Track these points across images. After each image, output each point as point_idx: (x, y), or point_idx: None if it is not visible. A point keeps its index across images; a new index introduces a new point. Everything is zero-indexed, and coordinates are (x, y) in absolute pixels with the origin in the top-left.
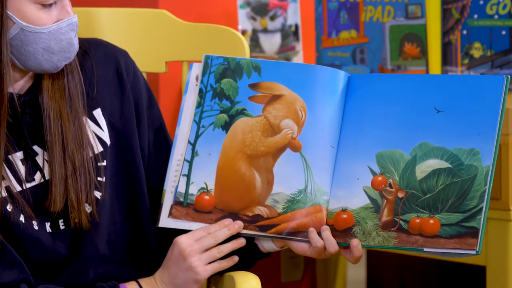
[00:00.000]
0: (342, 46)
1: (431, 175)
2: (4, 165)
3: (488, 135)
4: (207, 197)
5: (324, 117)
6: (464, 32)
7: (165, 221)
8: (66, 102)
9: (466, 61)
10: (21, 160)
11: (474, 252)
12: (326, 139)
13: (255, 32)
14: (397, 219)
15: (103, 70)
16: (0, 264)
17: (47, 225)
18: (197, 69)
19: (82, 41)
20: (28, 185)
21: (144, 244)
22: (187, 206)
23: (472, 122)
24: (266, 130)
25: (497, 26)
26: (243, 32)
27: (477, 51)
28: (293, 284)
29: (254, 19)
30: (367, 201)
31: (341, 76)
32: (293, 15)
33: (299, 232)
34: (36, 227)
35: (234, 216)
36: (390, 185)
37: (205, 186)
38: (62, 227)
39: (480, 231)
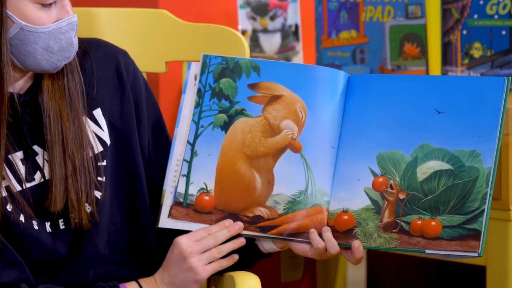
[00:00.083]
0: (342, 46)
1: (432, 177)
2: (4, 165)
3: (489, 137)
4: (207, 197)
5: (324, 117)
6: (464, 32)
7: (165, 222)
8: (66, 102)
9: (466, 61)
10: (21, 160)
11: (476, 254)
12: (327, 140)
13: (255, 32)
14: (399, 221)
15: (103, 70)
16: (0, 264)
17: (47, 225)
18: (195, 68)
19: (82, 41)
20: (28, 185)
21: (144, 244)
22: (187, 207)
23: (473, 124)
24: (266, 131)
25: (497, 26)
26: (243, 32)
27: (477, 51)
28: (293, 284)
29: (254, 19)
30: (368, 202)
31: (341, 76)
32: (293, 15)
33: (300, 233)
34: (36, 227)
35: (234, 217)
36: (391, 186)
37: (204, 187)
38: (62, 227)
39: (482, 233)
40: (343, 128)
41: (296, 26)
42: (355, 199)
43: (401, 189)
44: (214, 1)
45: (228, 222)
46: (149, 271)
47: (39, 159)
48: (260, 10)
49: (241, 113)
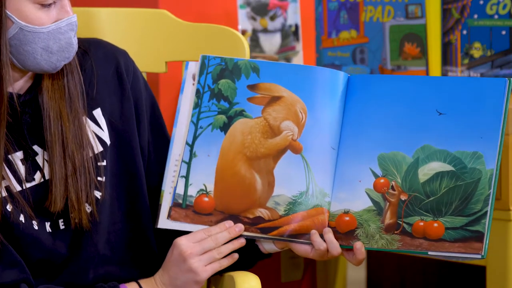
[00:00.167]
0: (342, 46)
1: (434, 178)
2: (4, 165)
3: (492, 139)
4: (206, 199)
5: (324, 118)
6: (464, 32)
7: (164, 223)
8: (66, 102)
9: (466, 61)
10: (21, 160)
11: (479, 256)
12: (327, 141)
13: (255, 32)
14: (400, 222)
15: (103, 70)
16: (0, 264)
17: (47, 225)
18: (193, 67)
19: (82, 41)
20: (28, 185)
21: (144, 244)
22: (186, 208)
23: (475, 125)
24: (266, 132)
25: (497, 26)
26: (243, 32)
27: (477, 51)
28: (293, 284)
29: (254, 19)
30: (369, 203)
31: (341, 77)
32: (293, 15)
33: (301, 234)
34: (36, 227)
35: (235, 218)
36: (392, 188)
37: (204, 188)
38: (62, 227)
39: (485, 235)
40: (343, 128)
41: (296, 26)
42: (356, 200)
43: (403, 190)
44: (214, 1)
45: (228, 223)
46: (149, 271)
47: (39, 159)
48: (260, 10)
49: (241, 114)
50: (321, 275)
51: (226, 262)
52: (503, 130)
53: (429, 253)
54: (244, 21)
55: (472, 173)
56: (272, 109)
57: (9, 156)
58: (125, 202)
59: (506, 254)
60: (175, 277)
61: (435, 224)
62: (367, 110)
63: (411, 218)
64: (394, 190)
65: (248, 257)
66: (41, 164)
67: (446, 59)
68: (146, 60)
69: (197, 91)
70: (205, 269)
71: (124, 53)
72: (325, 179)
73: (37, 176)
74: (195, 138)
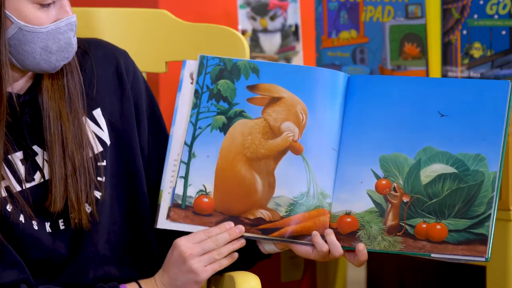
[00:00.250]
0: (342, 46)
1: (436, 180)
2: (4, 165)
3: (494, 141)
4: (206, 199)
5: (325, 119)
6: (464, 32)
7: (163, 223)
8: (65, 102)
9: (466, 61)
10: (20, 160)
11: (483, 259)
12: (328, 142)
13: (255, 32)
14: (403, 224)
15: (103, 70)
16: (0, 264)
17: (47, 225)
18: (191, 66)
19: (81, 41)
20: (28, 185)
21: (144, 244)
22: (186, 209)
23: (477, 127)
24: (266, 133)
25: (497, 26)
26: (243, 32)
27: (477, 51)
28: (293, 284)
29: (254, 19)
30: (371, 205)
31: (341, 77)
32: (293, 15)
33: (303, 236)
34: (36, 227)
35: (235, 219)
36: (394, 189)
37: (203, 189)
38: (62, 227)
39: (489, 238)
40: (344, 129)
41: (296, 26)
42: (358, 202)
43: (405, 192)
44: (214, 1)
45: (228, 224)
46: (149, 271)
47: (39, 159)
48: (260, 10)
49: (240, 114)
50: (321, 275)
51: (226, 262)
52: (506, 133)
53: (432, 255)
54: (244, 21)
55: (475, 176)
56: (272, 110)
57: (9, 156)
58: (125, 202)
59: (506, 254)
60: (175, 278)
61: (438, 226)
62: (367, 111)
63: (413, 220)
64: (396, 192)
65: (248, 258)
66: (41, 164)
67: (446, 59)
68: (146, 60)
69: (196, 92)
70: (205, 269)
71: (124, 53)
72: (326, 180)
73: (37, 176)
74: (193, 138)
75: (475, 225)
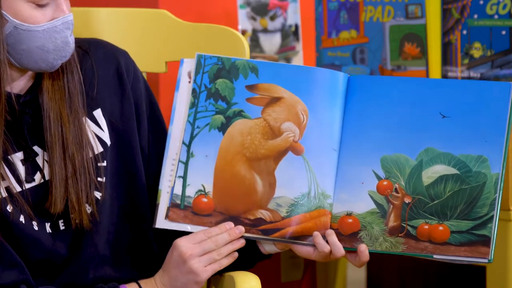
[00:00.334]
0: (342, 46)
1: (438, 181)
2: (4, 165)
3: (496, 143)
4: (205, 199)
5: (325, 119)
6: (464, 32)
7: (162, 223)
8: (66, 102)
9: (466, 61)
10: (21, 160)
11: (486, 260)
12: (328, 142)
13: (255, 32)
14: (405, 225)
15: (103, 70)
16: (0, 265)
17: (47, 225)
18: (188, 65)
19: (82, 41)
20: (28, 185)
21: (144, 244)
22: (185, 209)
23: (479, 129)
24: (266, 133)
25: (497, 26)
26: (243, 32)
27: (477, 51)
28: (293, 284)
29: (254, 19)
30: (372, 205)
31: (341, 77)
32: (293, 15)
33: (304, 236)
34: (36, 228)
35: (235, 219)
36: (396, 190)
37: (202, 189)
38: (62, 228)
39: (492, 239)
40: (344, 129)
41: (296, 26)
42: (359, 202)
43: (407, 193)
44: (214, 1)
45: (228, 225)
46: (149, 272)
47: (39, 160)
48: (260, 10)
49: (239, 114)
50: (321, 275)
51: (226, 262)
52: (508, 135)
53: (435, 256)
54: (244, 21)
55: (477, 177)
56: (272, 110)
57: (9, 157)
58: (125, 202)
59: (506, 254)
60: (175, 278)
61: (440, 228)
62: (367, 111)
63: (415, 221)
64: (397, 193)
65: (248, 258)
66: (41, 165)
67: (446, 59)
68: (146, 60)
69: (193, 91)
70: (205, 269)
71: (124, 53)
72: (327, 180)
73: (37, 176)
74: (192, 138)
75: (477, 227)
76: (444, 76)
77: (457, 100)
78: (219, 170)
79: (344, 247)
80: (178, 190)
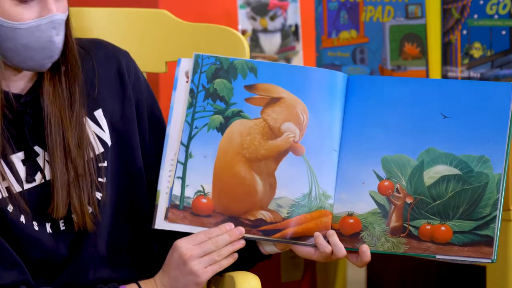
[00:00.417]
0: (342, 46)
1: (440, 181)
2: (5, 165)
3: (498, 143)
4: (204, 200)
5: (325, 120)
6: (464, 32)
7: (161, 224)
8: (66, 103)
9: (466, 61)
10: (21, 160)
11: (489, 260)
12: (329, 142)
13: (255, 32)
14: (406, 225)
15: (104, 70)
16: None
17: (47, 225)
18: (186, 64)
19: (82, 42)
20: (29, 185)
21: (144, 245)
22: (184, 210)
23: (481, 129)
24: (266, 133)
25: (497, 26)
26: (243, 32)
27: (477, 51)
28: (293, 284)
29: (254, 19)
30: (374, 206)
31: (340, 77)
32: (293, 15)
33: (305, 237)
34: (36, 228)
35: (235, 220)
36: (397, 190)
37: (201, 189)
38: (62, 228)
39: (495, 239)
40: (344, 129)
41: (296, 26)
42: (360, 202)
43: (408, 193)
44: (214, 1)
45: (229, 226)
46: (149, 272)
47: (40, 160)
48: (260, 10)
49: (238, 114)
50: (321, 275)
51: (226, 262)
52: (510, 135)
53: (437, 256)
54: (244, 21)
55: (479, 177)
56: (271, 110)
57: (10, 157)
58: (125, 202)
59: (506, 254)
60: (175, 279)
61: (443, 228)
62: (367, 111)
63: (417, 221)
64: (399, 193)
65: (248, 258)
66: (41, 165)
67: (446, 59)
68: (146, 60)
69: (191, 91)
70: (205, 271)
71: (125, 54)
72: (327, 181)
73: (38, 177)
74: (190, 138)
75: (480, 227)
76: (444, 76)
77: (458, 101)
78: (218, 171)
79: (345, 248)
80: (177, 191)
